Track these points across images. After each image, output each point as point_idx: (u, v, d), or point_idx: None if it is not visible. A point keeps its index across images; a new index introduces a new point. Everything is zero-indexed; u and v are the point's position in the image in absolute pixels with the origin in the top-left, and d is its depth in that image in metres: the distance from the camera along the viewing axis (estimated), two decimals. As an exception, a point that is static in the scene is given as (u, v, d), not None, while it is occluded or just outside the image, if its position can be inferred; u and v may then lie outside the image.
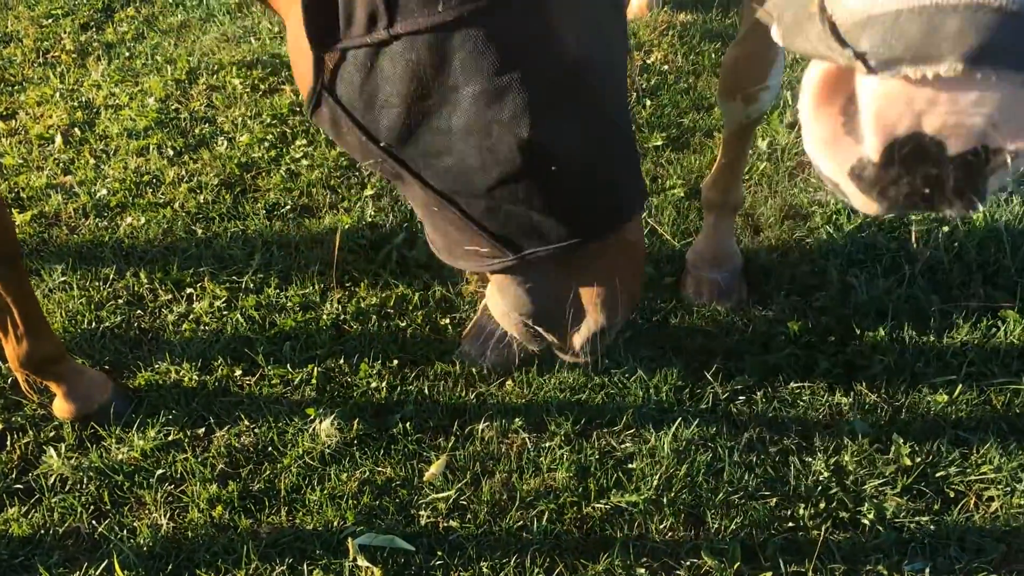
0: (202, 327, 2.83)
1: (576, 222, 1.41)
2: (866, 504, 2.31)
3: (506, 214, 1.41)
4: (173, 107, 3.74)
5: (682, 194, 3.28)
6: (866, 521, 2.27)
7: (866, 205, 1.10)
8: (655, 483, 2.35)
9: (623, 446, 2.48)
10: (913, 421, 2.50)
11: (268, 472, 2.43)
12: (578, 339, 1.63)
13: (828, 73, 1.15)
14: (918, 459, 2.40)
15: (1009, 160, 1.03)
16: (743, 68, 2.51)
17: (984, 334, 2.69)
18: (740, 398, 2.60)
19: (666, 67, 3.90)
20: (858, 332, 2.73)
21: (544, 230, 1.42)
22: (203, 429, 2.55)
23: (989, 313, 2.75)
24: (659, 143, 3.52)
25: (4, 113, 3.78)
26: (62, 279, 2.96)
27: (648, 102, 3.71)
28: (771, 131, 3.51)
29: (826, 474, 2.38)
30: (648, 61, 3.94)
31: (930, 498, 2.33)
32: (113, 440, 2.49)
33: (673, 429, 2.49)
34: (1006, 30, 0.96)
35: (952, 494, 2.34)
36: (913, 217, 3.11)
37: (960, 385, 2.57)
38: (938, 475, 2.37)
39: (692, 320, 2.85)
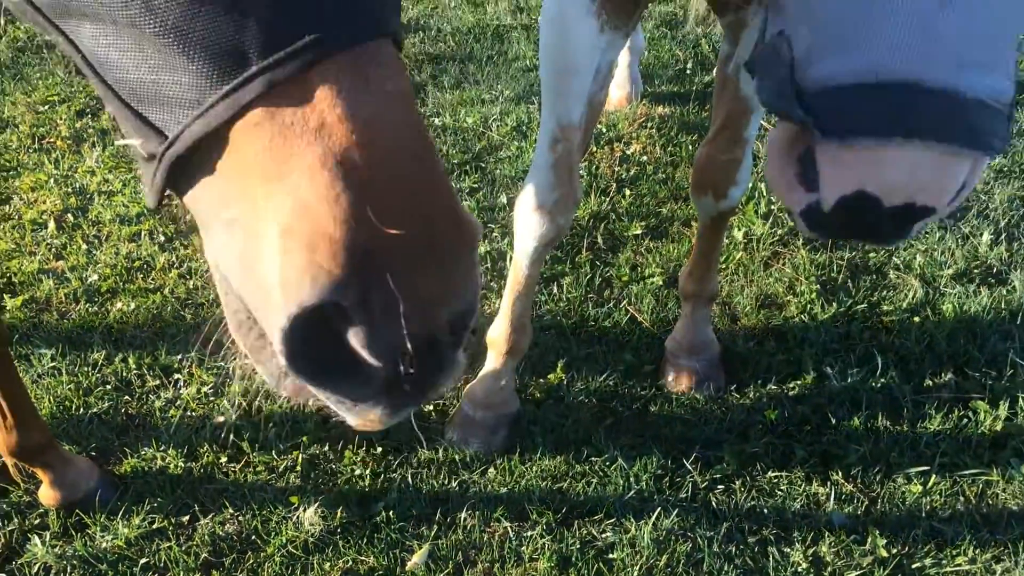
0: (189, 413, 2.86)
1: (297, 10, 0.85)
2: (843, 595, 2.34)
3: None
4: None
5: (661, 282, 3.37)
6: (844, 612, 2.30)
7: (812, 234, 1.38)
8: (636, 574, 2.38)
9: (604, 536, 2.51)
10: (889, 511, 2.56)
11: (252, 561, 2.44)
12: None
13: (789, 130, 1.36)
14: (894, 550, 2.44)
15: (932, 214, 1.26)
16: (713, 166, 2.63)
17: (956, 424, 2.77)
18: (719, 487, 2.65)
19: (644, 158, 4.04)
20: (834, 421, 2.80)
21: (245, 37, 0.84)
22: (187, 516, 2.56)
23: (960, 404, 2.83)
24: (638, 232, 3.63)
25: (-2, 198, 3.85)
26: (51, 364, 3.00)
27: (627, 192, 3.83)
28: (747, 221, 3.63)
29: (804, 565, 2.42)
30: (627, 152, 4.08)
31: (906, 589, 2.37)
32: (98, 528, 2.50)
33: (653, 519, 2.52)
34: (934, 107, 1.15)
35: (927, 585, 2.38)
36: (884, 307, 3.21)
37: (934, 476, 2.63)
38: (914, 567, 2.41)
39: (671, 408, 2.91)
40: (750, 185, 3.78)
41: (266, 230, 0.86)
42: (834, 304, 3.20)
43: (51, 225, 3.64)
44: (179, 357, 3.04)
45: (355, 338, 0.86)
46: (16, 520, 2.54)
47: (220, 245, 0.94)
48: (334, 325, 0.86)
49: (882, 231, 1.32)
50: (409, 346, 0.88)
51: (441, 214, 0.90)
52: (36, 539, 2.47)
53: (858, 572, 2.38)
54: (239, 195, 0.89)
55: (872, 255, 3.46)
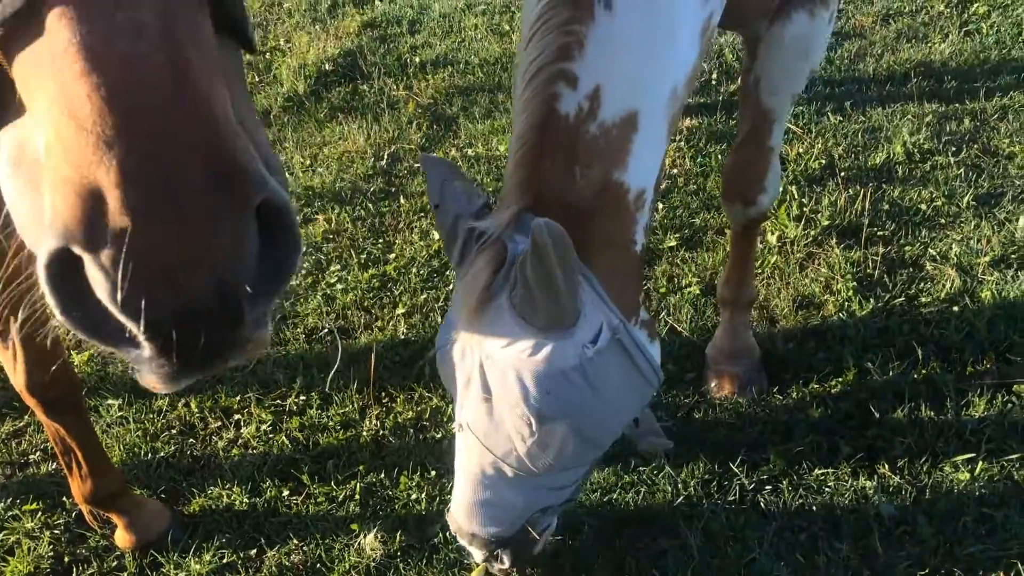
0: (250, 451, 2.99)
1: None
2: (896, 586, 2.36)
3: None
4: None
5: (698, 291, 3.43)
6: (897, 603, 2.33)
7: None
8: (688, 577, 2.43)
9: (656, 542, 2.57)
10: (937, 500, 2.57)
11: (318, 588, 2.55)
12: None
13: None
14: (944, 538, 2.46)
15: None
16: (741, 174, 2.69)
17: (1000, 410, 2.77)
18: (766, 488, 2.69)
19: (675, 170, 4.10)
20: (877, 416, 2.82)
21: None
22: (255, 550, 2.69)
23: (1004, 389, 2.83)
24: (673, 244, 3.69)
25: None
26: (119, 414, 3.16)
27: (660, 205, 3.90)
28: (780, 225, 3.67)
29: (855, 559, 2.44)
30: (658, 166, 4.15)
31: (959, 577, 2.38)
32: (172, 566, 2.64)
33: (703, 523, 2.57)
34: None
35: (980, 572, 2.39)
36: (922, 299, 3.22)
37: (981, 462, 2.63)
38: (965, 553, 2.42)
39: (715, 414, 2.96)
40: (781, 189, 3.83)
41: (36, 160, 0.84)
42: (871, 300, 3.23)
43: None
44: (237, 398, 3.18)
45: (101, 294, 0.81)
46: (95, 563, 2.69)
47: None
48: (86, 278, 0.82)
49: None
50: (156, 312, 0.81)
51: (204, 155, 0.80)
52: (116, 579, 2.61)
53: (909, 562, 2.40)
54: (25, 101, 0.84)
55: (908, 248, 3.48)
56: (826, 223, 3.61)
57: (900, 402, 2.84)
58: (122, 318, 0.82)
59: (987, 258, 3.34)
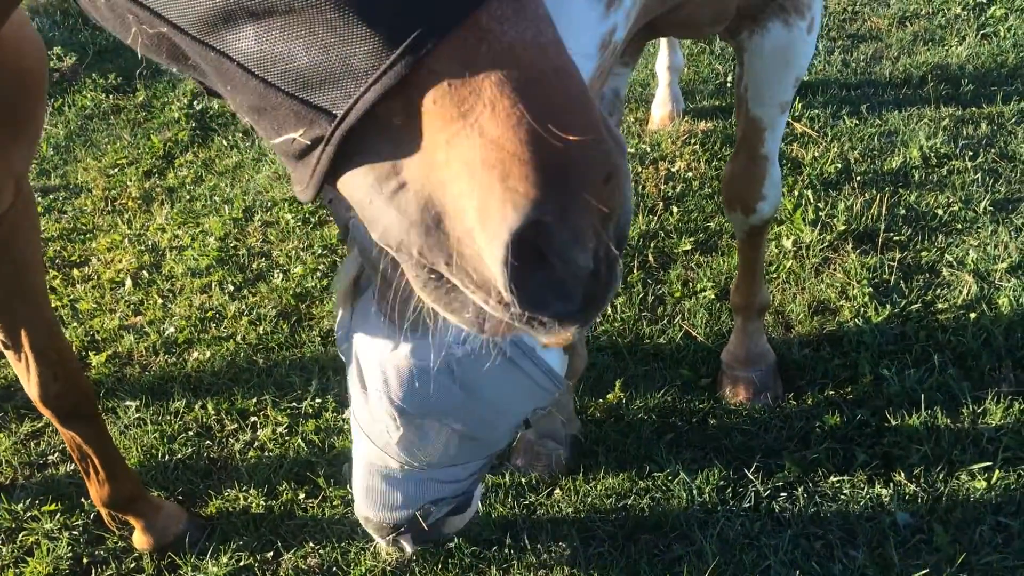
0: (267, 453, 3.01)
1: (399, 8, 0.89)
2: (912, 595, 2.36)
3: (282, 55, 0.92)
4: (232, 244, 4.02)
5: (713, 296, 3.43)
6: (913, 613, 2.32)
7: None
8: (703, 585, 2.44)
9: (671, 548, 2.57)
10: (953, 509, 2.57)
11: (334, 592, 2.56)
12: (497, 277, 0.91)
13: None
14: (961, 547, 2.45)
15: None
16: (737, 182, 2.70)
17: (1017, 418, 2.76)
18: (782, 495, 2.69)
19: (690, 174, 4.10)
20: (893, 423, 2.81)
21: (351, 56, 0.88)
22: (271, 552, 2.70)
23: (1020, 397, 2.82)
24: (688, 248, 3.69)
25: (78, 260, 4.09)
26: (136, 416, 3.18)
27: (675, 209, 3.90)
28: (795, 230, 3.66)
29: (871, 568, 2.44)
30: (672, 169, 4.15)
31: (975, 586, 2.37)
32: (189, 568, 2.66)
33: (718, 529, 2.58)
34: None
35: (997, 581, 2.38)
36: (939, 306, 3.21)
37: (998, 471, 2.63)
38: (982, 562, 2.42)
39: (730, 419, 2.96)
40: (796, 193, 3.83)
41: (453, 175, 0.88)
42: (888, 306, 3.22)
43: (128, 283, 3.85)
44: (254, 400, 3.20)
45: (560, 253, 0.89)
46: (113, 565, 2.71)
47: (389, 221, 0.95)
48: (540, 246, 0.88)
49: None
50: (604, 254, 0.92)
51: (602, 124, 0.92)
52: (134, 581, 2.63)
53: (924, 571, 2.40)
54: (413, 154, 0.91)
55: (924, 253, 3.46)
56: (842, 228, 3.61)
57: (916, 409, 2.83)
58: (579, 270, 0.91)
59: (1004, 264, 3.32)
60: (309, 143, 0.95)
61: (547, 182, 0.86)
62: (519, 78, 0.87)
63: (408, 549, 2.17)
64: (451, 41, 0.87)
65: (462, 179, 0.87)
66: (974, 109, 4.27)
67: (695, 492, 2.70)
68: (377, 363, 1.79)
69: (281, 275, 3.79)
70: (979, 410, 2.81)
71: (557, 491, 2.78)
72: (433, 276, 0.99)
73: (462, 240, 0.91)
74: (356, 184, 0.97)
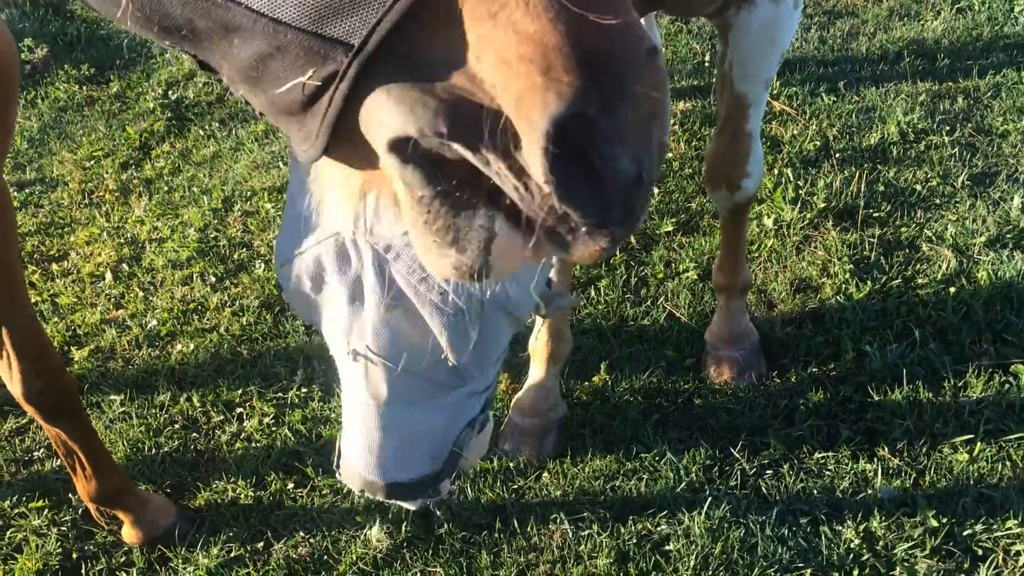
0: (254, 444, 3.00)
1: None
2: (898, 568, 2.40)
3: None
4: (212, 235, 3.99)
5: (696, 276, 3.44)
6: (899, 585, 2.36)
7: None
8: (692, 563, 2.46)
9: (659, 529, 2.60)
10: (937, 482, 2.60)
11: (325, 581, 2.57)
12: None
13: None
14: (944, 519, 2.49)
15: None
16: (722, 160, 2.70)
17: (998, 391, 2.80)
18: (768, 472, 2.72)
19: (670, 154, 4.10)
20: (876, 398, 2.84)
21: None
22: (262, 543, 2.71)
23: (1001, 370, 2.86)
24: (669, 229, 3.70)
25: (56, 255, 4.05)
26: (121, 410, 3.17)
27: (656, 190, 3.90)
28: (775, 208, 3.68)
29: (857, 542, 2.48)
30: (653, 150, 4.15)
31: (959, 557, 2.41)
32: (179, 561, 2.66)
33: (705, 508, 2.60)
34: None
35: (980, 552, 2.42)
36: (919, 281, 3.24)
37: (979, 443, 2.66)
38: (965, 534, 2.46)
39: (715, 399, 2.98)
40: (776, 172, 3.84)
41: (487, 74, 0.84)
42: (868, 282, 3.25)
43: (108, 276, 3.82)
44: (239, 392, 3.19)
45: (602, 150, 0.84)
46: (104, 560, 2.70)
47: (405, 116, 0.89)
48: (581, 145, 0.84)
49: None
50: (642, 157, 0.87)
51: (637, 20, 0.89)
52: (124, 576, 2.63)
53: (909, 544, 2.43)
54: (438, 68, 0.86)
55: (904, 229, 3.49)
56: (822, 205, 3.63)
57: (899, 384, 2.86)
58: (622, 168, 0.86)
59: (983, 238, 3.35)
60: (320, 84, 0.91)
61: (590, 70, 0.82)
62: None
63: (445, 491, 1.95)
64: None
65: (498, 75, 0.83)
66: (950, 83, 4.29)
67: (682, 472, 2.73)
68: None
69: (263, 265, 3.77)
70: (960, 384, 2.85)
71: (545, 474, 2.80)
72: (441, 193, 0.91)
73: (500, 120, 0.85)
74: (374, 114, 0.90)
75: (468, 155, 0.87)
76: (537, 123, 0.82)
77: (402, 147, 0.90)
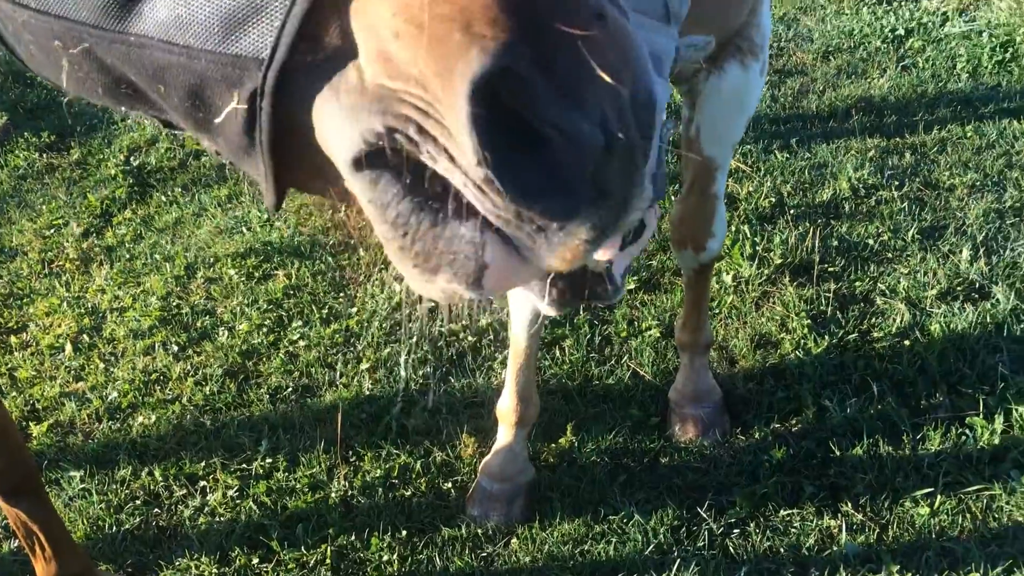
0: (217, 518, 2.96)
1: None
2: (865, 625, 2.41)
3: None
4: (175, 303, 3.97)
5: (658, 334, 3.48)
6: (867, 643, 2.37)
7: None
8: (662, 627, 2.46)
9: (629, 592, 2.59)
10: (900, 536, 2.63)
11: (292, 658, 2.53)
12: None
13: None
14: (908, 574, 2.51)
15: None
16: (688, 221, 2.76)
17: (955, 443, 2.85)
18: (734, 531, 2.73)
19: (630, 213, 4.18)
20: (838, 453, 2.88)
21: None
22: (227, 621, 2.66)
23: (957, 422, 2.92)
24: (631, 286, 3.75)
25: (15, 327, 4.00)
26: (81, 487, 3.11)
27: (617, 249, 3.96)
28: (734, 265, 3.75)
29: (824, 599, 2.49)
30: (613, 209, 4.22)
31: (925, 612, 2.44)
32: (142, 643, 2.60)
33: (674, 571, 2.61)
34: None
35: (945, 606, 2.45)
36: (875, 334, 3.31)
37: (939, 496, 2.71)
38: (929, 588, 2.48)
39: (681, 457, 3.00)
40: (734, 229, 3.92)
41: (403, 38, 0.74)
42: (826, 336, 3.31)
43: (68, 348, 3.78)
44: (202, 464, 3.15)
45: (548, 115, 0.71)
46: (63, 643, 2.63)
47: (347, 130, 0.81)
48: (521, 111, 0.72)
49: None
50: (609, 120, 0.72)
51: None
52: (84, 660, 2.56)
53: (876, 601, 2.46)
54: (358, 40, 0.77)
55: (858, 283, 3.57)
56: (779, 261, 3.70)
57: (859, 439, 2.91)
58: (575, 132, 0.72)
59: (934, 291, 3.44)
60: (247, 106, 0.85)
61: (519, 20, 0.71)
62: None
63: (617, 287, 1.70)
64: None
65: (418, 46, 0.74)
66: (898, 139, 4.43)
67: (650, 534, 2.73)
68: None
69: (226, 332, 3.75)
70: (919, 436, 2.90)
71: (514, 540, 2.79)
72: (414, 208, 0.81)
73: (428, 87, 0.75)
74: (326, 143, 0.83)
75: (416, 154, 0.78)
76: (458, 88, 0.71)
77: (360, 163, 0.83)
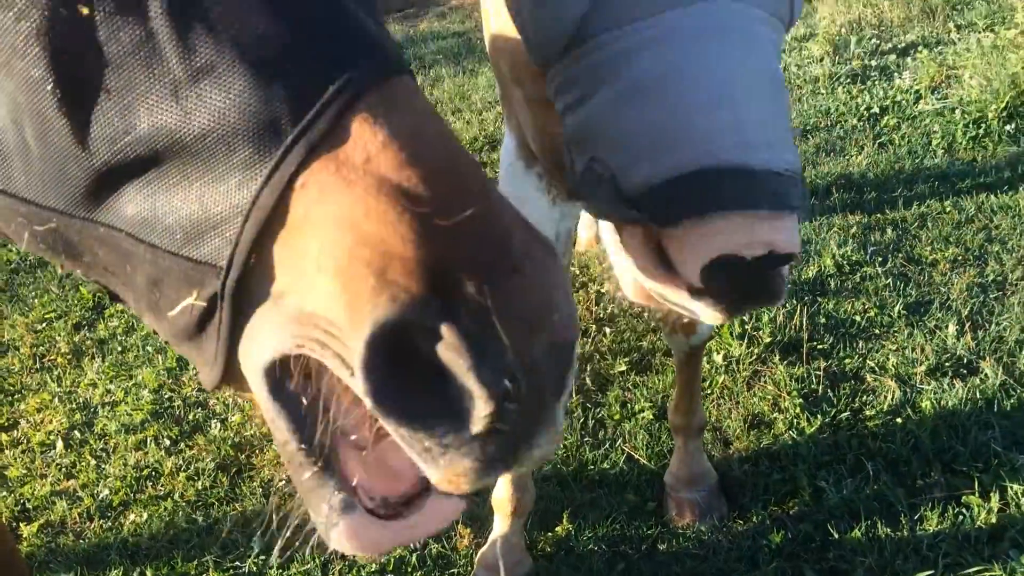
0: (211, 619, 2.91)
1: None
2: None
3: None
4: (167, 396, 3.96)
5: (651, 416, 3.49)
6: None
7: (710, 313, 1.46)
8: None
9: None
10: (902, 621, 2.61)
11: None
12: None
13: (635, 235, 1.51)
14: (913, 661, 2.49)
15: (790, 258, 1.40)
16: None
17: (952, 522, 2.84)
18: (736, 620, 2.70)
19: (620, 294, 4.21)
20: (836, 536, 2.87)
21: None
22: None
23: (953, 501, 2.91)
24: (623, 368, 3.77)
25: (6, 424, 3.98)
26: (72, 589, 3.06)
27: (607, 330, 3.99)
28: (724, 344, 3.78)
29: None
30: (602, 291, 4.27)
31: None
32: None
33: (676, 662, 2.57)
34: (733, 183, 1.35)
35: None
36: (867, 412, 3.33)
37: (939, 577, 2.69)
38: (935, 675, 2.45)
39: (679, 543, 2.98)
40: (721, 308, 3.96)
41: (324, 272, 0.81)
42: (819, 415, 3.32)
43: (59, 445, 3.75)
44: (195, 563, 3.11)
45: (453, 362, 0.76)
46: None
47: (272, 340, 0.86)
48: (424, 354, 0.77)
49: (757, 283, 1.44)
50: (514, 370, 0.76)
51: (509, 222, 0.83)
52: None
53: None
54: (291, 267, 0.83)
55: (847, 360, 3.60)
56: (768, 340, 3.73)
57: (856, 520, 2.90)
58: (475, 383, 0.76)
59: (923, 367, 3.47)
60: (206, 305, 0.90)
61: (432, 274, 0.76)
62: (398, 174, 0.79)
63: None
64: (316, 154, 0.82)
65: (335, 284, 0.80)
66: (879, 215, 4.52)
67: (650, 624, 2.70)
68: None
69: (219, 425, 3.73)
70: (916, 517, 2.89)
71: (513, 635, 2.75)
72: (301, 450, 0.91)
73: (334, 325, 0.81)
74: (254, 328, 0.89)
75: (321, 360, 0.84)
76: (362, 330, 0.76)
77: (272, 374, 0.89)
